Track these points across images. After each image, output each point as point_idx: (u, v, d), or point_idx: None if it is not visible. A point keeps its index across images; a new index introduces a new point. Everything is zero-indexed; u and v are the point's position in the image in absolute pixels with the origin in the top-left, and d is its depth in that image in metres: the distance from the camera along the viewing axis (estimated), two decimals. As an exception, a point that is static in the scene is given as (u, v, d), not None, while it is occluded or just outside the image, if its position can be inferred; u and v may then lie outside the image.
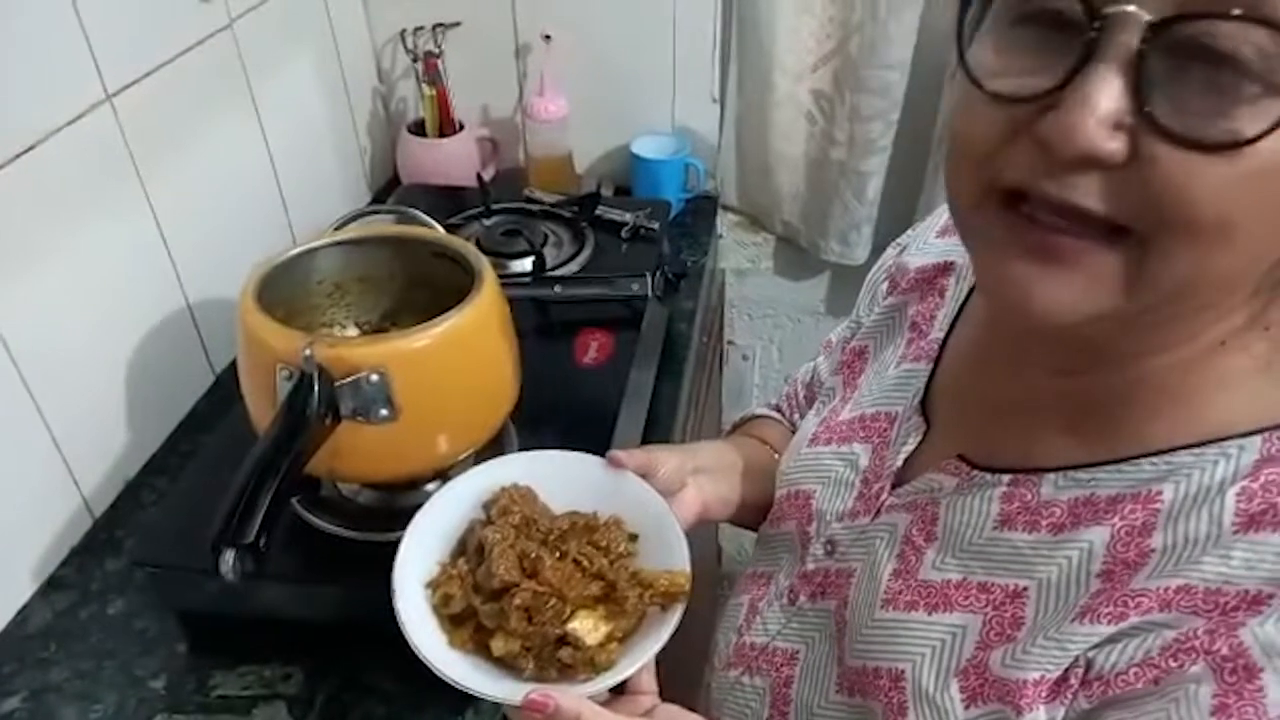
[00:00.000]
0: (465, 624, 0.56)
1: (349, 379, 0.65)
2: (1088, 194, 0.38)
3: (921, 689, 0.50)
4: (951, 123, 0.44)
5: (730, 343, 1.74)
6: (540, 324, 1.07)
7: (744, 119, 1.46)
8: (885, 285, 0.71)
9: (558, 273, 1.14)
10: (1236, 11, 0.34)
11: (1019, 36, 0.40)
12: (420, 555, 0.59)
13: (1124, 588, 0.44)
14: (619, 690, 0.55)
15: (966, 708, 0.48)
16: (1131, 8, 0.35)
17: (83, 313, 0.87)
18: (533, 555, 0.56)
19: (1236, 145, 0.35)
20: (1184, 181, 0.36)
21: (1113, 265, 0.40)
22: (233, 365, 1.05)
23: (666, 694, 0.57)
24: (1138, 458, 0.47)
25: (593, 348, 1.03)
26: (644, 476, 0.63)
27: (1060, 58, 0.37)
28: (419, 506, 0.61)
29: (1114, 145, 0.37)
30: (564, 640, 0.54)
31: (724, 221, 1.58)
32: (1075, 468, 0.49)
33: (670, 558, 0.59)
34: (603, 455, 0.65)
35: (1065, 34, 0.37)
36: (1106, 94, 0.36)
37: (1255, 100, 0.35)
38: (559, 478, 0.63)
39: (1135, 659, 0.43)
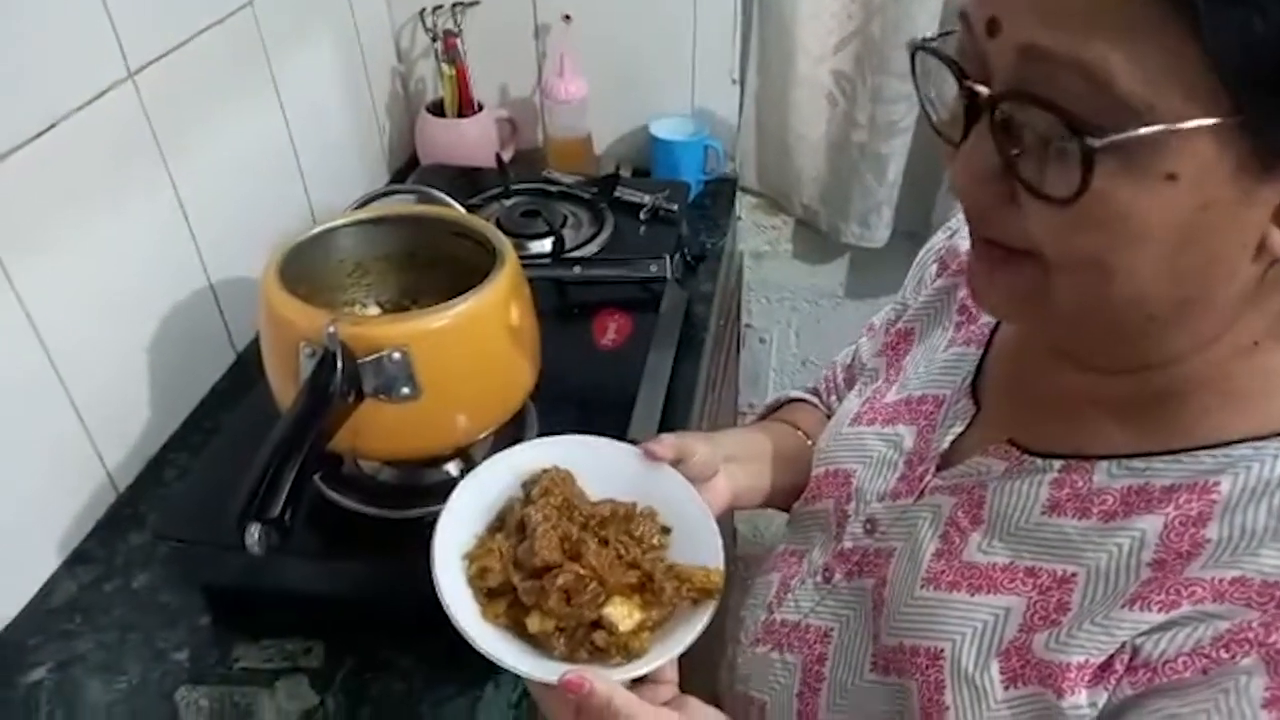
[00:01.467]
0: (499, 598, 0.56)
1: (371, 357, 0.65)
2: (996, 229, 0.44)
3: (960, 668, 0.50)
4: None
5: (748, 326, 1.74)
6: (559, 305, 1.07)
7: (764, 100, 1.45)
8: (935, 267, 0.71)
9: (577, 254, 1.14)
10: (1031, 92, 0.38)
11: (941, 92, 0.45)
12: (459, 527, 0.59)
13: (1176, 577, 0.44)
14: (640, 678, 0.55)
15: (1006, 688, 0.48)
16: (979, 86, 0.40)
17: (106, 290, 0.87)
18: (574, 538, 0.56)
19: (1072, 198, 0.38)
20: (1044, 224, 0.41)
21: (1023, 281, 0.44)
22: (254, 344, 1.07)
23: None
24: (1195, 449, 0.46)
25: (611, 329, 1.03)
26: (676, 463, 0.64)
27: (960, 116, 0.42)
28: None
29: (992, 193, 0.42)
30: (597, 624, 0.55)
31: (742, 204, 1.57)
32: (1130, 456, 0.48)
33: (702, 553, 0.59)
34: (624, 439, 0.65)
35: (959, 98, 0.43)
36: (981, 152, 0.41)
37: (1074, 158, 0.37)
38: (596, 464, 0.63)
39: (1185, 648, 0.43)
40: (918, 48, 0.44)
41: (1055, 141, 0.38)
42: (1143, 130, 0.36)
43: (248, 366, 1.05)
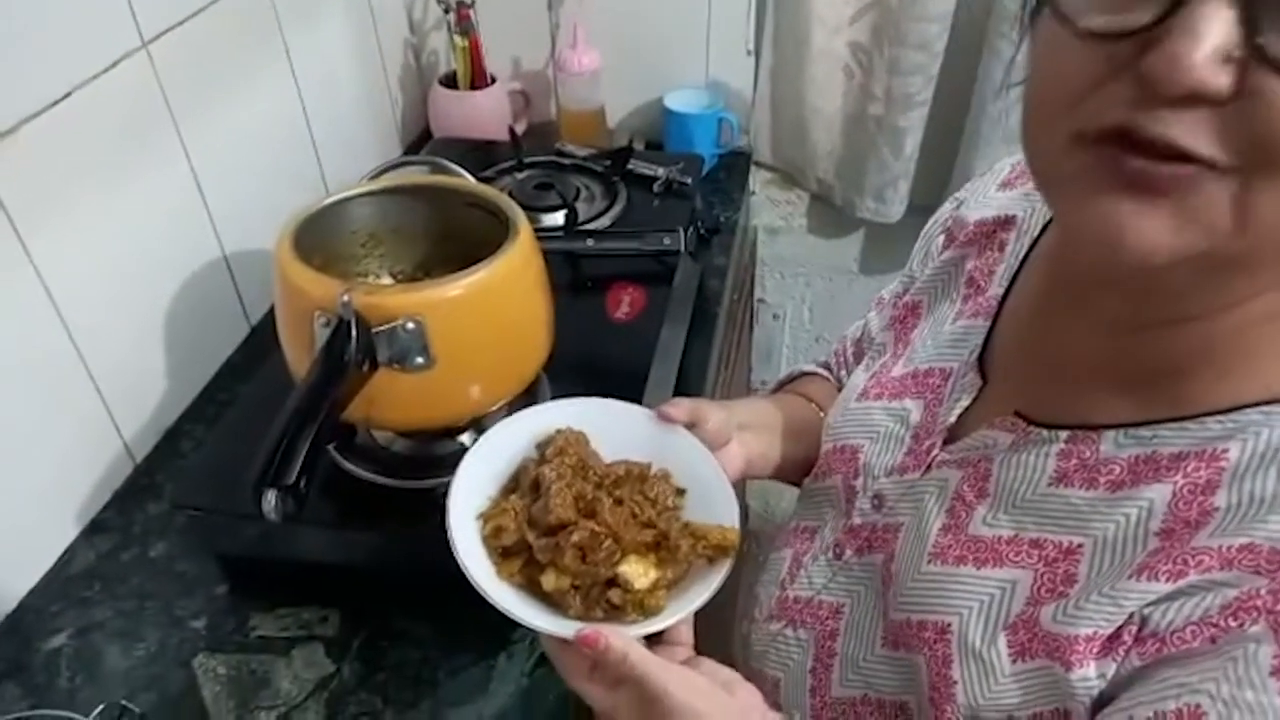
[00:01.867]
0: (514, 557, 0.56)
1: (386, 326, 0.65)
2: (1192, 132, 0.36)
3: (968, 642, 0.50)
4: (1036, 68, 0.42)
5: (761, 301, 1.73)
6: (572, 278, 1.06)
7: (779, 73, 1.44)
8: (941, 239, 0.70)
9: (590, 227, 1.13)
10: None
11: None
12: (473, 488, 0.59)
13: (1184, 546, 0.43)
14: (656, 639, 0.55)
15: (1014, 662, 0.48)
16: None
17: (121, 262, 0.88)
18: (589, 496, 0.56)
19: None
20: None
21: (1216, 200, 0.37)
22: (268, 316, 1.07)
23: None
24: (1203, 415, 0.45)
25: (625, 302, 1.03)
26: (690, 428, 0.63)
27: None
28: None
29: (1223, 80, 0.34)
30: (613, 582, 0.55)
31: (756, 178, 1.56)
32: (1137, 425, 0.48)
33: (716, 514, 0.59)
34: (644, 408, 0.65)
35: None
36: (1215, 24, 0.34)
37: None
38: (611, 426, 0.63)
39: (1193, 617, 0.42)
40: None
41: None
42: None
43: (262, 339, 1.05)
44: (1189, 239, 0.38)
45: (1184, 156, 0.37)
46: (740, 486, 1.49)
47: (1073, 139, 0.40)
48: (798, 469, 0.73)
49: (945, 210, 0.72)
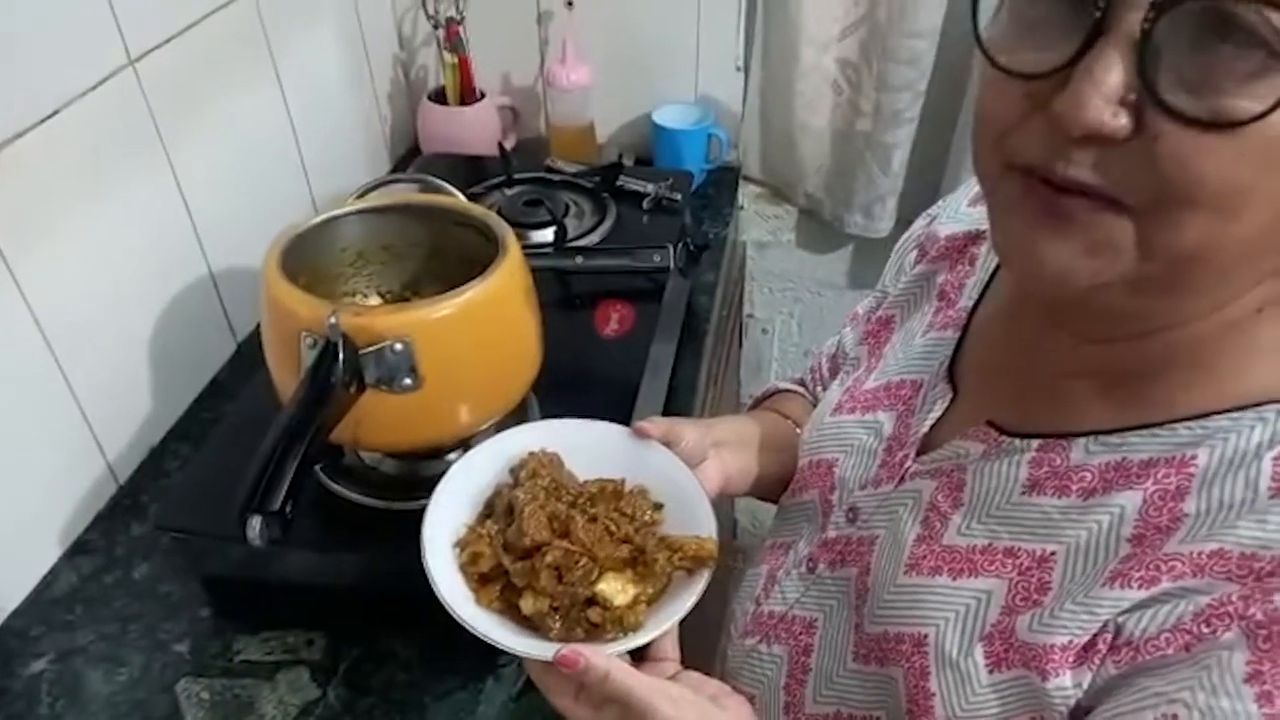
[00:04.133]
0: (492, 583, 0.56)
1: (373, 348, 0.65)
2: (1096, 170, 0.39)
3: (944, 654, 0.50)
4: (978, 98, 0.45)
5: (750, 316, 1.73)
6: (561, 295, 1.06)
7: (768, 88, 1.44)
8: (914, 254, 0.70)
9: (579, 243, 1.13)
10: None
11: (1033, 12, 0.41)
12: (448, 516, 0.59)
13: (1156, 552, 0.44)
14: (641, 656, 0.55)
15: (990, 672, 0.48)
16: None
17: (106, 280, 0.87)
18: (563, 516, 0.56)
19: (1241, 123, 0.35)
20: (1189, 157, 0.37)
21: (1120, 231, 0.40)
22: (255, 333, 1.06)
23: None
24: (1172, 422, 0.46)
25: (614, 319, 1.02)
26: (666, 446, 0.63)
27: (1070, 34, 0.38)
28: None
29: (1119, 122, 0.37)
30: (592, 601, 0.54)
31: (745, 193, 1.56)
32: (1107, 432, 0.48)
33: (695, 527, 0.59)
34: (627, 425, 0.64)
35: (1075, 11, 0.38)
36: (1112, 71, 0.37)
37: (1260, 76, 0.35)
38: (584, 445, 0.62)
39: (1166, 625, 0.42)
40: None
41: (1237, 55, 0.35)
42: None
43: (248, 357, 1.05)
44: (1097, 266, 0.41)
45: (1089, 193, 0.40)
46: (729, 502, 1.47)
47: (1004, 167, 0.43)
48: (776, 485, 0.73)
49: (918, 226, 0.73)
